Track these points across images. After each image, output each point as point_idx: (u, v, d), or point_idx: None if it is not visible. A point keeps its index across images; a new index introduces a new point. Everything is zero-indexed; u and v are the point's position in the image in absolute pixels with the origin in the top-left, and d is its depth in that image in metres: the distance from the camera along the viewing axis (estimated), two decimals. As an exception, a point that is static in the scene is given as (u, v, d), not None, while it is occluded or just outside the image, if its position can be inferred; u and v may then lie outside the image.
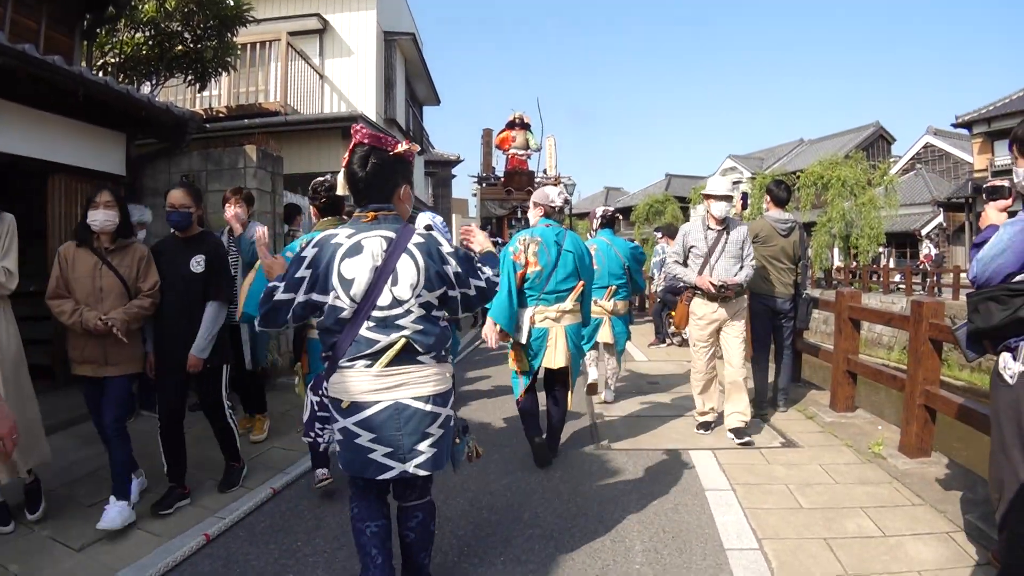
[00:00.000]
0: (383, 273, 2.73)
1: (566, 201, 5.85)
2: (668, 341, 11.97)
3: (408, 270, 2.75)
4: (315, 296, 2.78)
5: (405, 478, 2.86)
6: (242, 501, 4.57)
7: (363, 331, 2.74)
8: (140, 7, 9.39)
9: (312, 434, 4.06)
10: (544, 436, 5.44)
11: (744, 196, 8.77)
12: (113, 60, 9.87)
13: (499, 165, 18.72)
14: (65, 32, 8.60)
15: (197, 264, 4.52)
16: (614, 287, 6.98)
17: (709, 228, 5.96)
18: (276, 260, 3.33)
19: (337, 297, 2.73)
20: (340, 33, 14.55)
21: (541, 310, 5.13)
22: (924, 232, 32.75)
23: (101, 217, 4.25)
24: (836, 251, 31.28)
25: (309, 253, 2.80)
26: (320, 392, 3.12)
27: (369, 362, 2.74)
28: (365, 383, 2.74)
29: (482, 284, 3.00)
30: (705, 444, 5.76)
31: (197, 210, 4.63)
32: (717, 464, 5.23)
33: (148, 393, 6.86)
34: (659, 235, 13.32)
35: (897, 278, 26.42)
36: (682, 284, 6.42)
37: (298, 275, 2.78)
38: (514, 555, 3.78)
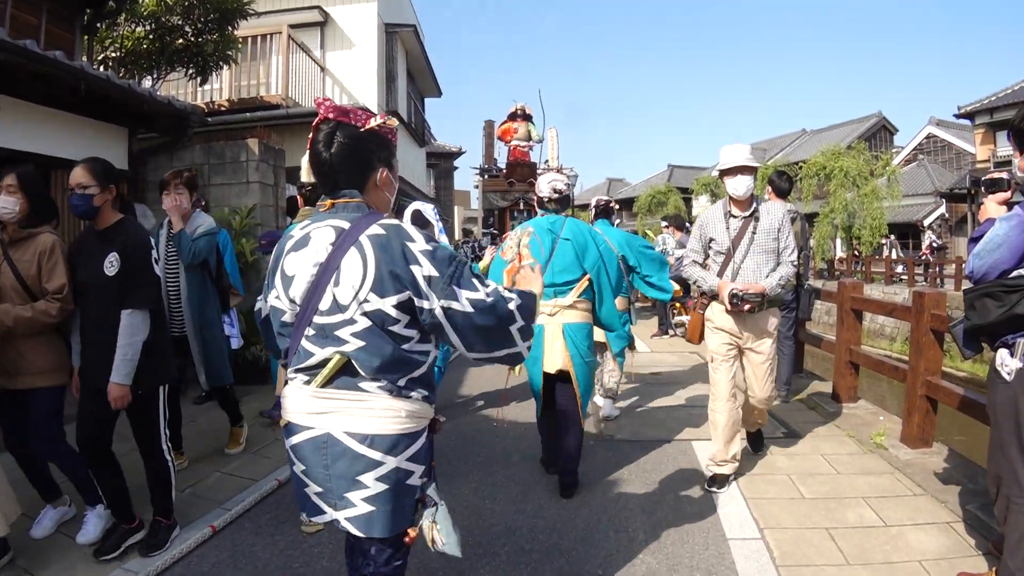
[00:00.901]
0: (326, 271, 2.19)
1: (556, 191, 4.89)
2: (672, 332, 11.97)
3: (353, 267, 2.16)
4: (268, 296, 2.39)
5: (348, 532, 2.28)
6: (247, 493, 4.60)
7: (303, 340, 2.25)
8: (140, 1, 9.37)
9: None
10: (557, 465, 4.76)
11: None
12: (114, 55, 9.86)
13: (501, 157, 18.72)
14: (66, 27, 8.60)
15: (110, 265, 3.62)
16: None
17: (731, 215, 4.72)
18: None
19: (278, 297, 2.31)
20: (341, 25, 14.53)
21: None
22: (926, 223, 32.70)
23: None
24: (838, 242, 31.27)
25: (277, 246, 2.43)
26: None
27: (307, 378, 2.24)
28: (302, 402, 2.24)
29: (481, 296, 2.19)
30: (708, 435, 5.72)
31: (107, 193, 3.74)
32: (720, 455, 5.22)
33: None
34: (664, 224, 13.32)
35: (899, 269, 26.42)
36: (699, 286, 4.86)
37: (268, 279, 2.43)
38: (518, 544, 3.81)
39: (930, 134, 38.61)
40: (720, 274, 4.74)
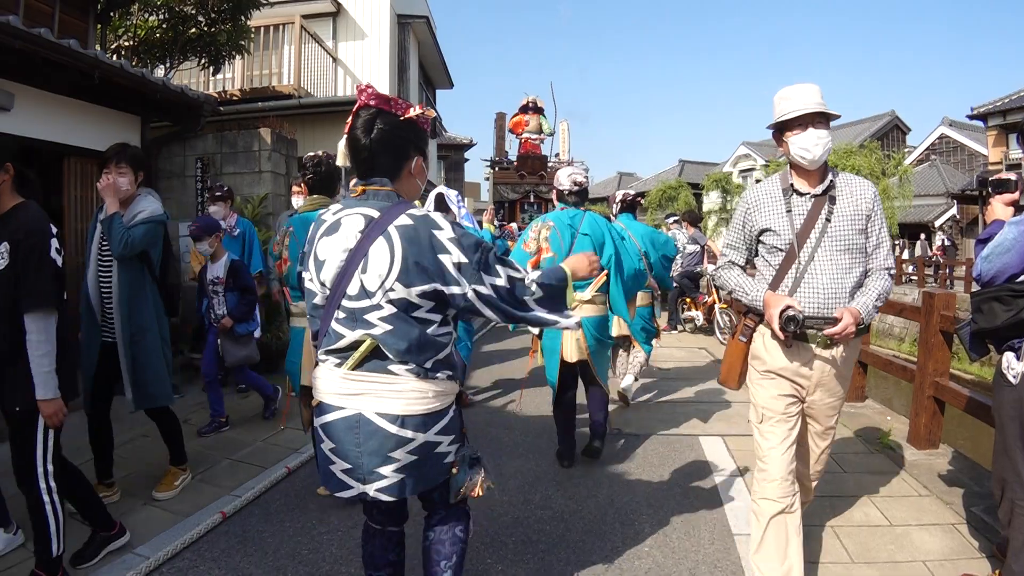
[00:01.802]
0: (355, 257, 2.27)
1: (576, 183, 5.01)
2: (680, 327, 11.97)
3: (380, 256, 2.24)
4: (304, 278, 2.45)
5: (371, 502, 2.45)
6: (257, 480, 4.64)
7: (333, 323, 2.33)
8: (154, -10, 9.39)
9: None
10: (568, 441, 5.04)
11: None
12: (127, 43, 9.88)
13: (512, 149, 18.74)
14: (79, 15, 8.61)
15: (0, 258, 3.11)
16: None
17: (794, 192, 3.17)
18: None
19: (311, 279, 2.39)
20: (354, 16, 14.49)
21: None
22: (937, 224, 32.56)
23: None
24: (848, 241, 31.15)
25: (311, 229, 2.48)
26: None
27: (338, 360, 2.34)
28: (333, 383, 2.34)
29: (502, 283, 2.32)
30: (715, 430, 5.80)
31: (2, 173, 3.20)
32: (727, 450, 5.29)
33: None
34: (671, 220, 13.29)
35: (910, 269, 26.30)
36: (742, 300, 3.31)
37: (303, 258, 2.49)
38: (525, 535, 3.83)
39: (943, 135, 38.39)
40: (775, 284, 3.09)
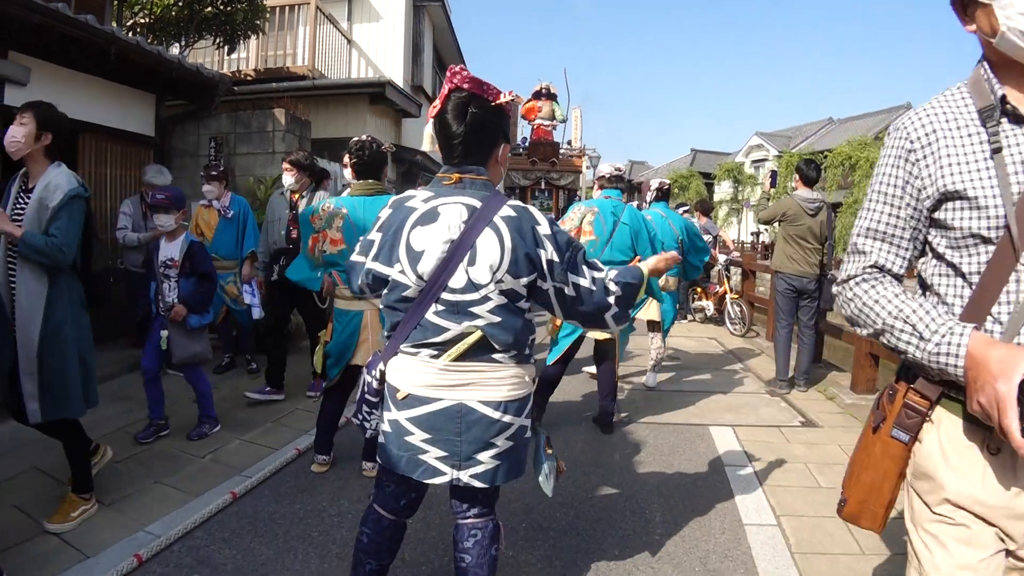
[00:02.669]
0: (459, 249, 2.20)
1: (618, 169, 5.77)
2: (690, 317, 11.96)
3: (490, 248, 2.20)
4: (379, 266, 2.34)
5: (461, 487, 2.43)
6: (267, 461, 4.64)
7: (430, 315, 2.26)
8: (171, -33, 9.38)
9: (359, 417, 3.17)
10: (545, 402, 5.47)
11: (773, 174, 8.51)
12: (143, 21, 9.88)
13: (525, 135, 18.68)
14: (96, -9, 8.64)
15: None
16: None
17: (1012, 115, 1.55)
18: None
19: (402, 271, 2.26)
20: (369, -2, 14.43)
21: None
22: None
23: None
24: (861, 232, 31.06)
25: (384, 214, 2.41)
26: (373, 373, 2.49)
27: (435, 352, 2.28)
28: (428, 376, 2.29)
29: (587, 284, 2.31)
30: (725, 420, 5.79)
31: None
32: (737, 441, 5.27)
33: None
34: (681, 210, 13.27)
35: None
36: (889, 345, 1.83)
37: (370, 237, 2.42)
38: (536, 522, 3.83)
39: (958, 126, 38.13)
40: (975, 312, 1.57)
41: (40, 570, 3.21)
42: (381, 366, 2.42)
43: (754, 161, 44.69)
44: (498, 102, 2.34)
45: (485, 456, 2.32)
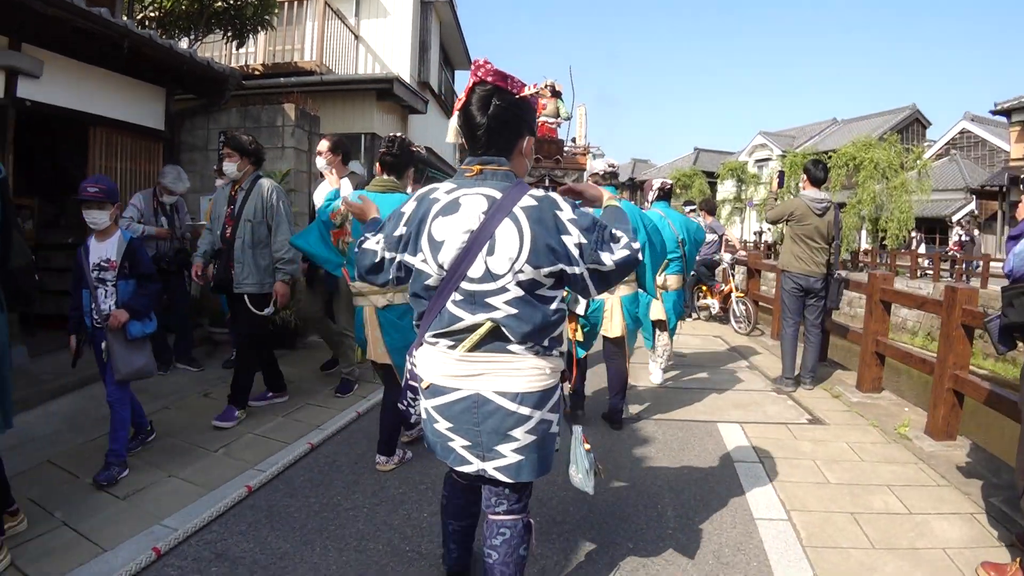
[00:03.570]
0: (478, 239, 2.23)
1: (612, 166, 5.77)
2: (695, 315, 11.97)
3: (509, 239, 2.21)
4: (407, 257, 2.41)
5: (489, 479, 2.45)
6: (280, 455, 4.66)
7: (449, 304, 2.30)
8: (181, -38, 9.39)
9: (404, 402, 2.92)
10: (580, 404, 5.70)
11: (781, 174, 8.54)
12: (153, 15, 9.90)
13: (529, 132, 18.66)
14: (107, -15, 8.66)
15: None
16: (667, 261, 6.63)
17: None
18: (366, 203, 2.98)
19: (424, 260, 2.33)
20: (376, -7, 14.44)
21: None
22: (955, 219, 32.32)
23: None
24: (863, 233, 31.01)
25: (408, 208, 2.45)
26: (411, 360, 2.55)
27: (452, 342, 2.33)
28: (446, 365, 2.34)
29: (620, 258, 2.27)
30: (732, 417, 5.82)
31: None
32: (745, 437, 5.30)
33: (185, 345, 7.01)
34: (688, 209, 13.29)
35: (925, 263, 26.12)
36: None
37: (396, 233, 2.45)
38: (550, 516, 3.86)
39: (964, 129, 38.01)
40: None
41: (59, 563, 3.24)
42: (415, 354, 2.48)
43: (757, 161, 44.71)
44: (521, 95, 2.36)
45: (507, 449, 2.33)
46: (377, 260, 2.52)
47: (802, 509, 4.03)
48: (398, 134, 4.47)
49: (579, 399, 5.75)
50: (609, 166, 5.71)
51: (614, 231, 2.32)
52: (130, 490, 4.07)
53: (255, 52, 12.44)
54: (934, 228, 33.14)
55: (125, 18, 7.82)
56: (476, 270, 2.24)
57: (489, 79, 2.31)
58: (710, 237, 11.67)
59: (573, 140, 19.01)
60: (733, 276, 11.69)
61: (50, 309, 7.02)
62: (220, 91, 8.44)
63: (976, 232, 29.86)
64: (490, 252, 2.22)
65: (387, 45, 14.33)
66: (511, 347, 2.30)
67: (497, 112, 2.31)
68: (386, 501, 4.00)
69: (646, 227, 4.99)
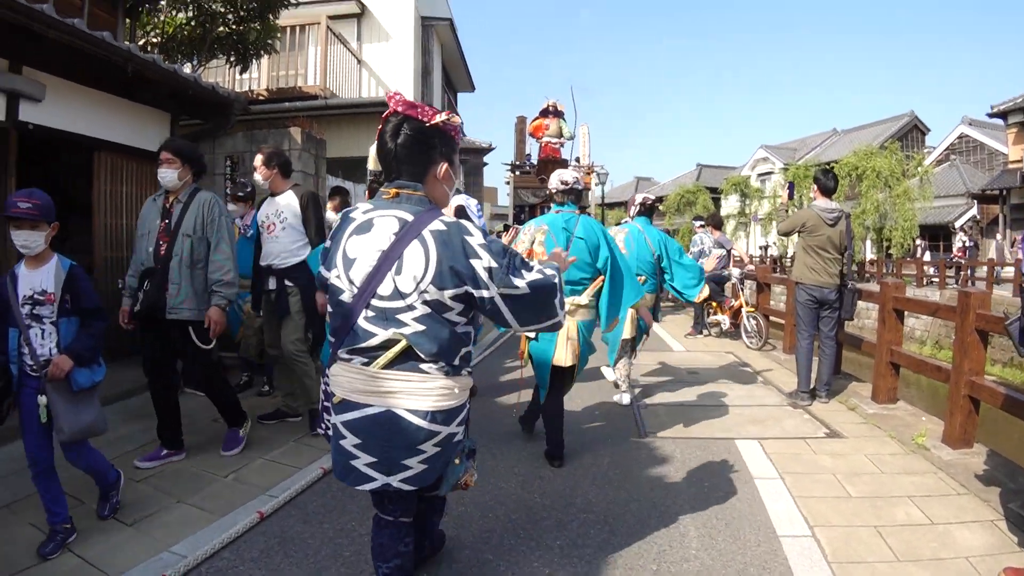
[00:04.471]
0: (388, 258, 2.36)
1: (564, 182, 5.09)
2: (705, 332, 11.92)
3: (415, 259, 2.34)
4: (323, 271, 2.57)
5: (393, 491, 2.54)
6: (293, 480, 4.60)
7: (361, 320, 2.41)
8: (183, -13, 9.45)
9: (322, 427, 2.99)
10: (558, 440, 5.02)
11: (791, 186, 8.54)
12: (155, 40, 9.96)
13: (533, 153, 18.68)
14: (109, 9, 8.75)
15: None
16: (643, 278, 6.62)
17: None
18: None
19: (338, 276, 2.45)
20: (378, 18, 14.54)
21: None
22: (958, 224, 32.29)
23: None
24: (868, 243, 31.00)
25: (334, 224, 2.64)
26: (325, 380, 2.66)
27: (366, 359, 2.43)
28: (359, 381, 2.43)
29: (534, 279, 2.45)
30: (749, 433, 5.76)
31: None
32: (764, 453, 5.23)
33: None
34: (697, 224, 13.27)
35: (931, 271, 26.05)
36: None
37: (325, 245, 2.64)
38: (570, 539, 3.79)
39: (962, 134, 38.06)
40: None
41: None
42: (328, 371, 2.60)
43: (760, 174, 44.81)
44: (432, 122, 2.49)
45: (413, 461, 2.46)
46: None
47: (825, 524, 3.97)
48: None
49: (532, 418, 5.58)
50: (562, 183, 5.10)
51: (531, 263, 2.54)
52: (138, 516, 4.02)
53: (258, 77, 12.53)
54: (937, 235, 33.13)
55: (128, 43, 7.89)
56: (385, 288, 2.37)
57: (399, 109, 2.48)
58: (718, 252, 11.65)
59: (577, 159, 19.03)
60: (743, 291, 11.63)
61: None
62: (226, 115, 8.46)
63: (980, 237, 29.87)
64: (397, 272, 2.35)
65: (390, 69, 14.43)
66: (423, 366, 2.41)
67: (405, 140, 2.47)
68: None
69: (611, 246, 4.87)
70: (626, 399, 6.86)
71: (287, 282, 5.52)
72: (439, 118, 2.51)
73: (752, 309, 10.83)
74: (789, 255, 31.79)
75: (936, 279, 23.75)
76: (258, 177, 5.60)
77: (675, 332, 11.98)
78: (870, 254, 31.42)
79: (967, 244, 29.24)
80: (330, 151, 10.18)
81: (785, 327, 9.57)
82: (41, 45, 5.75)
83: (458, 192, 4.90)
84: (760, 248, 39.43)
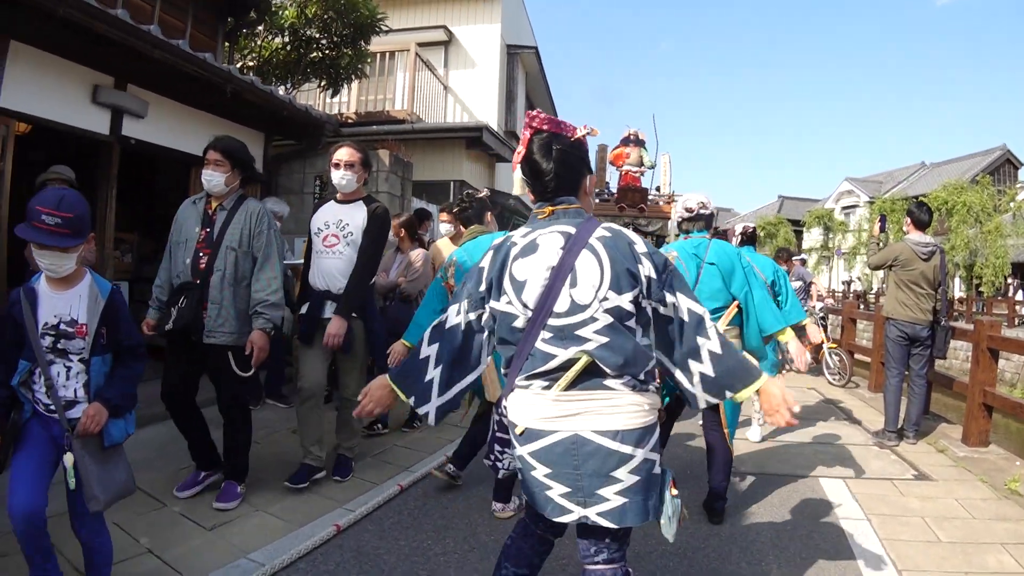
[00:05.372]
0: (560, 273, 2.24)
1: (688, 210, 4.75)
2: (788, 368, 11.67)
3: (589, 268, 2.23)
4: (492, 303, 2.38)
5: (589, 526, 2.33)
6: (370, 495, 4.63)
7: (539, 343, 2.26)
8: (280, 13, 9.75)
9: (492, 457, 3.06)
10: None
11: (883, 218, 8.27)
12: (252, 63, 10.27)
13: (612, 181, 18.67)
14: (209, 33, 9.05)
15: None
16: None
17: None
18: None
19: (509, 302, 2.31)
20: (464, 45, 14.74)
21: None
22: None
23: None
24: (958, 280, 30.15)
25: (486, 261, 2.44)
26: (500, 411, 2.53)
27: (547, 383, 2.26)
28: (542, 408, 2.27)
29: (684, 305, 2.31)
30: (835, 473, 5.61)
31: None
32: (850, 493, 5.09)
33: (276, 381, 7.06)
34: (796, 260, 13.07)
35: (1023, 311, 25.19)
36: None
37: (481, 288, 2.42)
38: (649, 571, 3.74)
39: (1057, 167, 36.90)
40: None
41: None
42: (504, 403, 2.43)
43: (844, 207, 43.96)
44: (576, 136, 2.42)
45: (609, 492, 2.22)
46: (463, 328, 2.47)
47: (914, 569, 3.84)
48: (468, 191, 4.67)
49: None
50: (686, 209, 4.78)
51: (691, 291, 2.37)
52: (217, 521, 4.08)
53: (348, 101, 12.81)
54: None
55: (227, 64, 8.13)
56: (562, 304, 2.23)
57: (545, 127, 2.39)
58: (796, 284, 11.43)
59: (657, 189, 18.95)
60: (825, 326, 11.36)
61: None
62: (317, 136, 8.69)
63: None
64: (573, 284, 2.23)
65: (475, 95, 14.61)
66: (608, 382, 2.23)
67: (560, 156, 2.38)
68: (477, 548, 3.91)
69: (746, 272, 4.50)
70: (756, 435, 6.73)
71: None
72: (580, 132, 2.45)
73: (834, 344, 10.58)
74: (874, 290, 31.09)
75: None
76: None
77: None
78: (959, 292, 30.51)
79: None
80: (417, 174, 10.33)
81: (872, 364, 9.34)
82: (146, 64, 6.00)
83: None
84: (843, 283, 38.63)
